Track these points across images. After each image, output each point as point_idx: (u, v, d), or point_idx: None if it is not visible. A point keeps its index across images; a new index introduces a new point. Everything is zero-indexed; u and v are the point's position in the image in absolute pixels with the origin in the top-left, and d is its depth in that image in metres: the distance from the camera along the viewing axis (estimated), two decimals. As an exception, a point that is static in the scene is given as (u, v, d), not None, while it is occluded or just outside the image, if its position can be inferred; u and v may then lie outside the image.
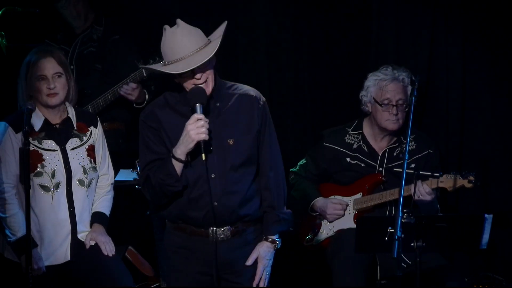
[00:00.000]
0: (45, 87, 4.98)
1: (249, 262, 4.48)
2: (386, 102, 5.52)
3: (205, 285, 4.46)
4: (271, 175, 4.52)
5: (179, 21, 4.36)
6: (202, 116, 4.28)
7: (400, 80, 5.53)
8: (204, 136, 4.26)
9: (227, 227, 4.44)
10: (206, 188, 4.35)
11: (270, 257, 4.51)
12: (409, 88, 5.51)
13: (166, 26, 4.35)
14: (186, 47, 4.30)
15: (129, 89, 6.08)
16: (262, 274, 4.48)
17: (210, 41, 4.37)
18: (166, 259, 4.56)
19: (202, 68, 4.32)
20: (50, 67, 4.99)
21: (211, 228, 4.41)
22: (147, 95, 6.21)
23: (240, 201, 4.42)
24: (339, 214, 5.56)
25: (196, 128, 4.26)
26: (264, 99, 4.53)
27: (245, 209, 4.44)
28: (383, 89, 5.53)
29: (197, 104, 4.31)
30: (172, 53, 4.33)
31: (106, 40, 6.32)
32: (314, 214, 5.64)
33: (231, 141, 4.42)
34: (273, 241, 4.51)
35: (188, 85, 4.37)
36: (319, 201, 5.61)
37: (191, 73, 4.33)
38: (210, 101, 4.42)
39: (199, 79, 4.33)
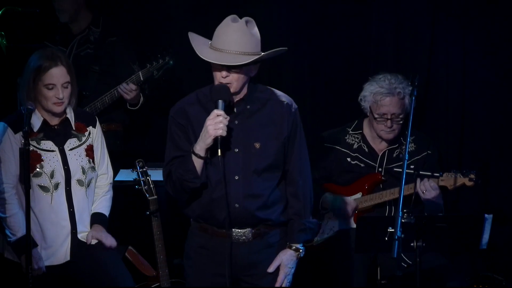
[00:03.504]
0: (53, 95, 4.95)
1: (271, 269, 4.44)
2: (380, 116, 5.51)
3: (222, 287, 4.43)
4: (300, 183, 4.47)
5: (246, 18, 4.38)
6: (222, 112, 4.26)
7: (396, 94, 5.49)
8: (221, 132, 4.24)
9: (249, 229, 4.41)
10: (227, 189, 4.34)
11: (292, 265, 4.46)
12: (406, 100, 5.49)
13: (233, 15, 4.37)
14: (230, 43, 4.30)
15: (128, 89, 6.09)
16: (283, 281, 4.45)
17: (259, 55, 4.35)
18: (187, 259, 4.53)
19: (230, 69, 4.31)
20: (60, 76, 4.95)
21: (232, 229, 4.39)
22: (142, 98, 6.22)
23: (261, 205, 4.39)
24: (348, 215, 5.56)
25: (215, 123, 4.24)
26: (296, 106, 4.50)
27: (266, 213, 4.41)
28: (378, 103, 5.51)
29: (219, 100, 4.29)
30: (216, 39, 4.34)
31: (103, 41, 6.32)
32: (324, 212, 5.62)
33: (257, 145, 4.39)
34: (297, 249, 4.45)
35: (215, 77, 4.36)
36: (329, 197, 5.59)
37: (220, 68, 4.31)
38: (241, 103, 4.41)
39: (224, 77, 4.31)
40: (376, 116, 5.51)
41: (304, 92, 6.54)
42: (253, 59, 4.30)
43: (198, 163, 4.32)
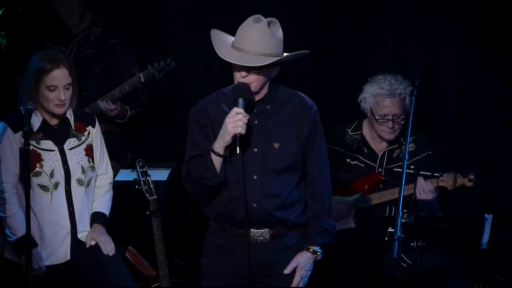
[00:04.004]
0: (55, 97, 4.95)
1: (287, 271, 4.44)
2: (382, 117, 5.50)
3: (237, 287, 4.43)
4: (319, 184, 4.47)
5: (270, 19, 4.37)
6: (241, 110, 4.25)
7: (397, 95, 5.49)
8: (240, 129, 4.23)
9: (266, 230, 4.41)
10: (246, 188, 4.34)
11: (309, 268, 4.46)
12: (407, 100, 5.49)
13: (257, 15, 4.37)
14: (250, 44, 4.29)
15: (107, 108, 6.12)
16: (299, 284, 4.44)
17: (280, 57, 4.33)
18: (205, 258, 4.53)
19: (250, 70, 4.30)
20: (62, 77, 4.94)
21: (249, 229, 4.38)
22: (129, 111, 6.24)
23: (279, 205, 4.38)
24: (343, 215, 5.56)
25: (234, 121, 4.23)
26: (316, 108, 4.50)
27: (284, 214, 4.40)
28: (379, 104, 5.51)
29: (240, 99, 4.29)
30: (238, 39, 4.34)
31: (104, 43, 6.31)
32: None
33: (276, 145, 4.39)
34: (314, 252, 4.46)
35: (235, 77, 4.36)
36: None
37: (239, 68, 4.31)
38: (261, 103, 4.41)
39: (243, 77, 4.31)
40: (377, 117, 5.51)
41: (304, 92, 6.52)
42: (272, 61, 4.29)
43: (217, 161, 4.31)
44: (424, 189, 5.32)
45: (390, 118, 5.49)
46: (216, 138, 4.32)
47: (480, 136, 6.17)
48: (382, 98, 5.49)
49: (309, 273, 4.47)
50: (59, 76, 4.94)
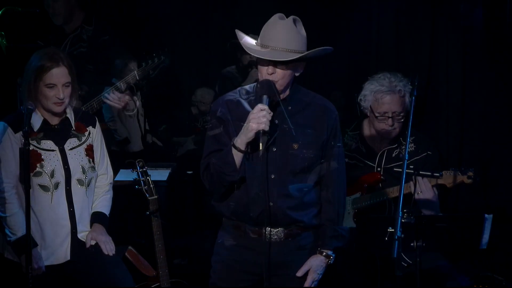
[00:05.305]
0: (53, 95, 4.97)
1: (300, 273, 4.46)
2: (382, 114, 5.51)
3: (250, 285, 4.44)
4: (335, 188, 4.50)
5: (294, 17, 4.40)
6: (266, 107, 4.27)
7: (397, 92, 5.50)
8: (263, 126, 4.24)
9: (281, 229, 4.42)
10: (264, 187, 4.35)
11: (321, 272, 4.48)
12: (406, 98, 5.50)
13: (280, 14, 4.39)
14: (277, 40, 4.31)
15: (115, 98, 6.09)
16: (310, 286, 4.46)
17: (307, 52, 4.36)
18: (216, 255, 4.54)
19: (276, 65, 4.31)
20: (61, 76, 4.96)
21: (265, 228, 4.39)
22: (137, 102, 6.22)
23: (295, 206, 4.40)
24: None
25: (258, 117, 4.24)
26: (337, 112, 4.51)
27: (299, 214, 4.42)
28: (379, 101, 5.51)
29: (264, 96, 4.30)
30: (264, 36, 4.36)
31: (96, 40, 6.31)
32: None
33: (295, 146, 4.41)
34: (327, 256, 4.48)
35: (261, 73, 4.37)
36: None
37: (266, 63, 4.32)
38: (283, 103, 4.42)
39: (270, 74, 4.32)
40: (377, 114, 5.52)
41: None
42: (299, 56, 4.31)
43: (237, 157, 4.33)
44: (422, 189, 5.33)
45: (390, 115, 5.50)
46: (238, 133, 4.34)
47: (480, 136, 6.18)
48: (381, 95, 5.50)
49: (320, 276, 4.49)
50: (58, 74, 4.95)
